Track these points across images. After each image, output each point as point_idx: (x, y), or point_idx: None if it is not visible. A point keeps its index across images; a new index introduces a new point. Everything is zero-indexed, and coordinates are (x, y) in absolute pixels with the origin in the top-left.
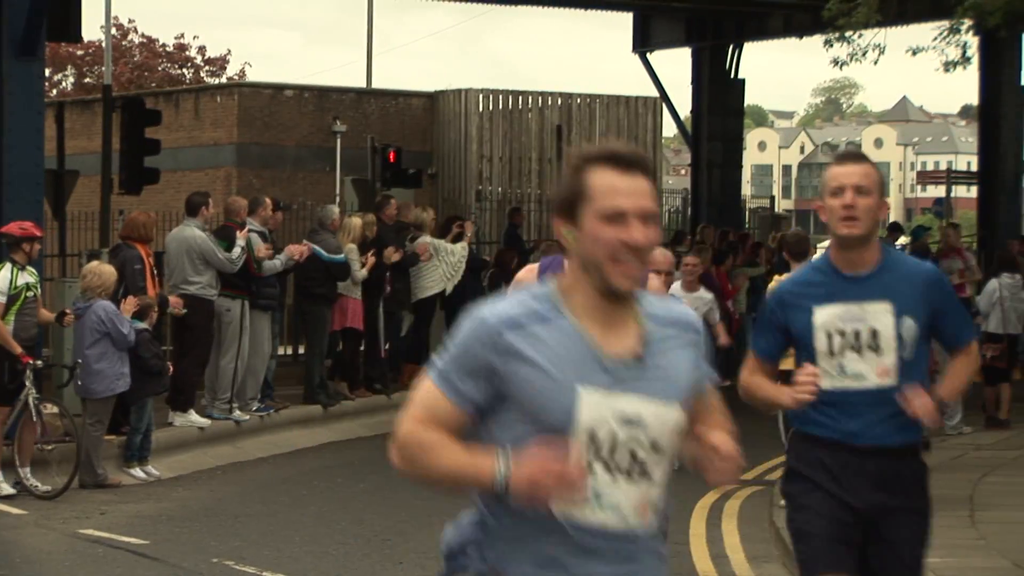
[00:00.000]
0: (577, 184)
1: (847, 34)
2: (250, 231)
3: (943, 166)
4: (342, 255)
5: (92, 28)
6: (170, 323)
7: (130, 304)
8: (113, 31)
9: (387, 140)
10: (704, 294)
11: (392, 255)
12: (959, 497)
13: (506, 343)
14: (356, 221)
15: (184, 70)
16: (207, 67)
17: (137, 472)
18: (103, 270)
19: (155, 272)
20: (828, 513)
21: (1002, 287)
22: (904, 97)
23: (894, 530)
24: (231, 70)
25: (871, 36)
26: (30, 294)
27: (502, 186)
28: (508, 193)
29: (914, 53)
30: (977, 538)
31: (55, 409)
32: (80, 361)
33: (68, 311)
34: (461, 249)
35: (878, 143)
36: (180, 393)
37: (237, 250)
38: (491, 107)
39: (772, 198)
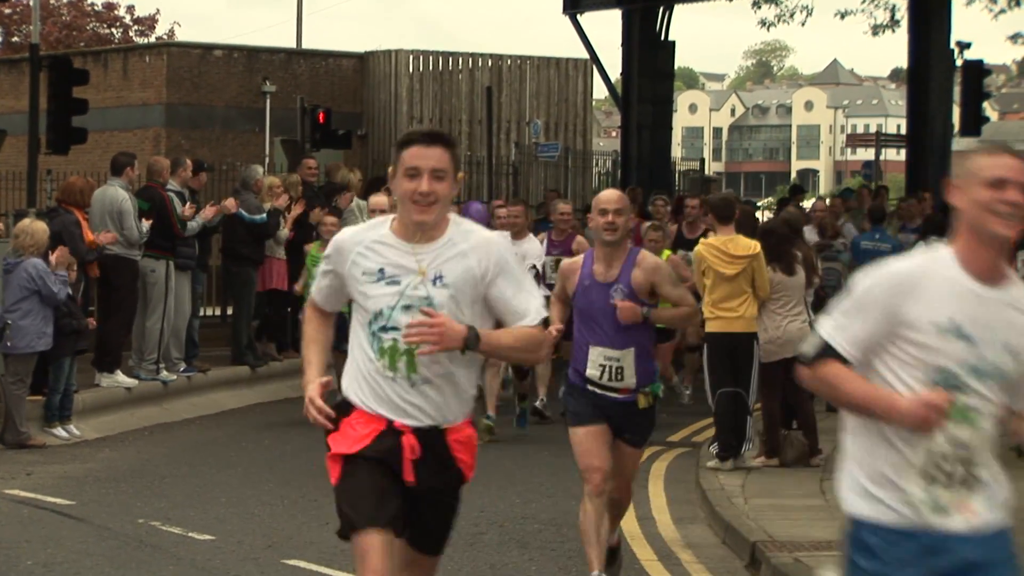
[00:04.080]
0: None
1: None
2: (169, 191)
3: (873, 129)
4: (263, 215)
5: None
6: (95, 284)
7: (62, 255)
8: None
9: (317, 101)
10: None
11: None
12: None
13: None
14: (273, 180)
15: (113, 30)
16: (136, 27)
17: (59, 431)
18: (35, 228)
19: None
20: None
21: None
22: (835, 60)
23: None
24: (160, 30)
25: None
26: None
27: None
28: None
29: (842, 16)
30: None
31: None
32: (9, 322)
33: None
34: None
35: (808, 106)
36: (106, 354)
37: (145, 226)
38: (421, 68)
39: (702, 160)
